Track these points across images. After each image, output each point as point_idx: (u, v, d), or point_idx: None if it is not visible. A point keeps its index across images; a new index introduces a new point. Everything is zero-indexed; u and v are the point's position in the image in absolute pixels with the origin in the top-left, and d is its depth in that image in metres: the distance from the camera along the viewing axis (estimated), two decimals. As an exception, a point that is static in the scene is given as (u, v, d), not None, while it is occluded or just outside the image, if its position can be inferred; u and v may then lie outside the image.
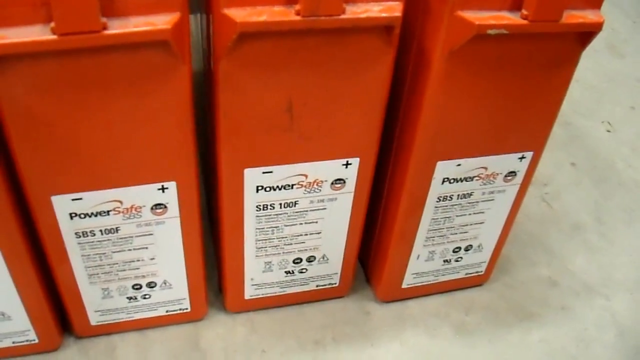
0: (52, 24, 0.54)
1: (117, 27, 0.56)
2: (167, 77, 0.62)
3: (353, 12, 0.61)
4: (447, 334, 0.94)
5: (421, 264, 0.91)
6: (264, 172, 0.74)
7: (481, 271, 0.98)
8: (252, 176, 0.74)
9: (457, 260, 0.94)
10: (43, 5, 0.54)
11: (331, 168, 0.76)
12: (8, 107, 0.61)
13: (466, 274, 0.97)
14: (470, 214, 0.87)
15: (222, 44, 0.62)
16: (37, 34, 0.55)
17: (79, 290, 0.82)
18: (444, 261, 0.93)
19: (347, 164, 0.76)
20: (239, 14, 0.59)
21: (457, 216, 0.86)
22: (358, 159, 0.76)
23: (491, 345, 0.94)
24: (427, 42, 0.69)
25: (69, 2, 0.53)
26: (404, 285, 0.94)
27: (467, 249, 0.92)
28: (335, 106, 0.70)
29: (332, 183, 0.78)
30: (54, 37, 0.55)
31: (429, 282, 0.96)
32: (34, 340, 0.85)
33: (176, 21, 0.58)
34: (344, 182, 0.78)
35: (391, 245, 0.88)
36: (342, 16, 0.61)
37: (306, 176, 0.76)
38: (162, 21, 0.57)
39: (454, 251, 0.92)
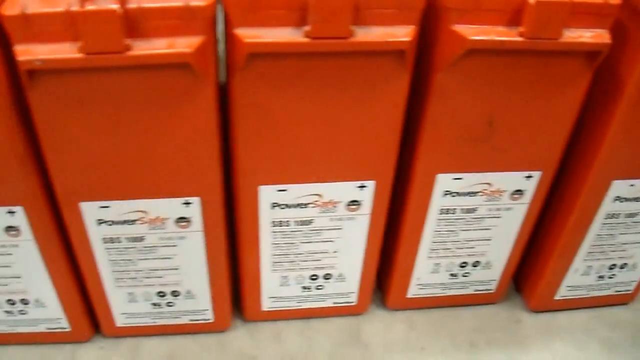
0: (307, 28, 0.60)
1: (362, 36, 0.62)
2: (392, 84, 0.68)
3: (569, 36, 0.66)
4: (594, 349, 0.97)
5: (577, 277, 0.95)
6: (454, 178, 0.79)
7: (630, 290, 1.00)
8: (444, 181, 0.79)
9: (610, 277, 0.96)
10: (296, 10, 0.60)
11: (513, 179, 0.81)
12: (241, 101, 0.67)
13: (615, 291, 1.00)
14: (632, 233, 0.90)
15: (446, 57, 0.67)
16: (288, 35, 0.61)
17: (260, 276, 0.88)
18: (599, 277, 0.96)
19: (528, 177, 0.81)
20: (468, 31, 0.64)
21: (620, 234, 0.89)
22: (540, 173, 0.80)
23: (637, 363, 0.96)
24: (621, 68, 0.72)
25: (326, 10, 0.59)
26: (556, 297, 0.98)
27: (622, 267, 0.95)
28: (529, 122, 0.75)
29: (511, 193, 0.82)
30: (307, 39, 0.61)
31: (580, 296, 0.99)
32: (210, 319, 0.91)
33: (414, 34, 0.63)
34: (523, 193, 0.82)
35: (552, 257, 0.91)
36: (560, 39, 0.65)
37: (490, 185, 0.81)
38: (402, 33, 0.63)
39: (609, 268, 0.95)
